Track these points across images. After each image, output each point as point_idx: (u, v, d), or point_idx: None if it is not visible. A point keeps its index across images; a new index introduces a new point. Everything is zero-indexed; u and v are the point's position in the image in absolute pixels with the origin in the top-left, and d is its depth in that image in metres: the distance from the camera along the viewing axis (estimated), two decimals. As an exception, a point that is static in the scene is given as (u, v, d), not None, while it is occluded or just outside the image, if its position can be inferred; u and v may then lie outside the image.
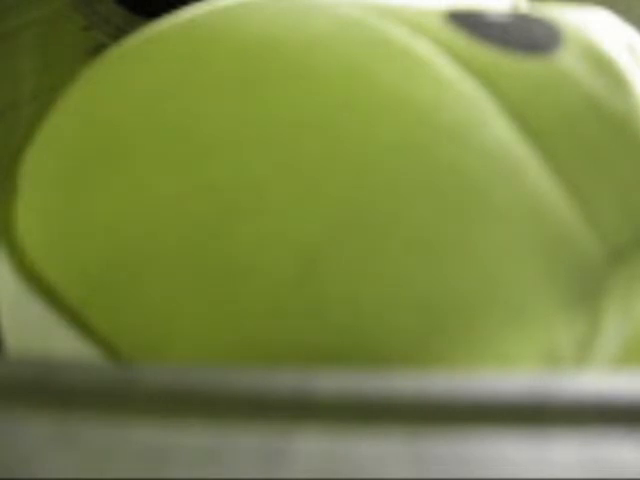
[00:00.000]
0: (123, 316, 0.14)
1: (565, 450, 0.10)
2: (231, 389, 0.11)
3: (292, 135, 0.14)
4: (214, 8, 0.16)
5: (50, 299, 0.14)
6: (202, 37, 0.15)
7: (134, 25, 0.28)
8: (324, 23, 0.16)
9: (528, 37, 0.16)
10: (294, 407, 0.10)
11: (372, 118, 0.14)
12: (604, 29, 0.17)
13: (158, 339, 0.13)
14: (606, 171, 0.15)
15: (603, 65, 0.16)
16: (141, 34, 0.16)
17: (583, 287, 0.15)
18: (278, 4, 0.16)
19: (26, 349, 0.15)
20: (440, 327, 0.13)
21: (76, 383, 0.11)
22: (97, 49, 0.29)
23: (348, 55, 0.15)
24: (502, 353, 0.14)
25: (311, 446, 0.10)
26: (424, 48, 0.15)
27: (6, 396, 0.11)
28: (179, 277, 0.13)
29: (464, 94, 0.15)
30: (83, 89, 0.16)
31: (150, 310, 0.14)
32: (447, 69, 0.15)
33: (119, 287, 0.14)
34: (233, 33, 0.15)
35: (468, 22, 0.16)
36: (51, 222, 0.15)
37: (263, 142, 0.14)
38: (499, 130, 0.15)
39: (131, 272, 0.14)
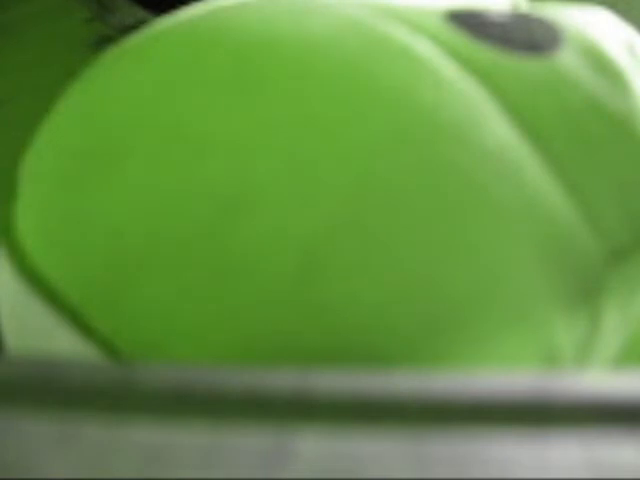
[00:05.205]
0: (123, 316, 0.14)
1: (565, 450, 0.10)
2: (231, 389, 0.11)
3: (291, 133, 0.14)
4: (214, 8, 0.16)
5: (50, 299, 0.14)
6: (202, 36, 0.15)
7: (138, 17, 0.28)
8: (324, 23, 0.16)
9: (528, 37, 0.16)
10: (294, 407, 0.10)
11: (372, 117, 0.14)
12: (604, 29, 0.17)
13: (158, 339, 0.13)
14: (606, 171, 0.15)
15: (603, 65, 0.16)
16: (141, 33, 0.16)
17: (583, 287, 0.15)
18: (278, 4, 0.16)
19: (26, 349, 0.15)
20: (438, 326, 0.13)
21: (76, 383, 0.11)
22: (100, 41, 0.29)
23: (348, 55, 0.15)
24: (502, 353, 0.14)
25: (311, 446, 0.10)
26: (424, 48, 0.15)
27: (6, 396, 0.11)
28: (179, 276, 0.13)
29: (464, 94, 0.15)
30: (83, 88, 0.16)
31: (150, 309, 0.14)
32: (447, 69, 0.15)
33: (119, 287, 0.14)
34: (233, 32, 0.15)
35: (468, 22, 0.16)
36: (51, 222, 0.15)
37: (262, 140, 0.14)
38: (499, 130, 0.15)
39: (131, 271, 0.14)
